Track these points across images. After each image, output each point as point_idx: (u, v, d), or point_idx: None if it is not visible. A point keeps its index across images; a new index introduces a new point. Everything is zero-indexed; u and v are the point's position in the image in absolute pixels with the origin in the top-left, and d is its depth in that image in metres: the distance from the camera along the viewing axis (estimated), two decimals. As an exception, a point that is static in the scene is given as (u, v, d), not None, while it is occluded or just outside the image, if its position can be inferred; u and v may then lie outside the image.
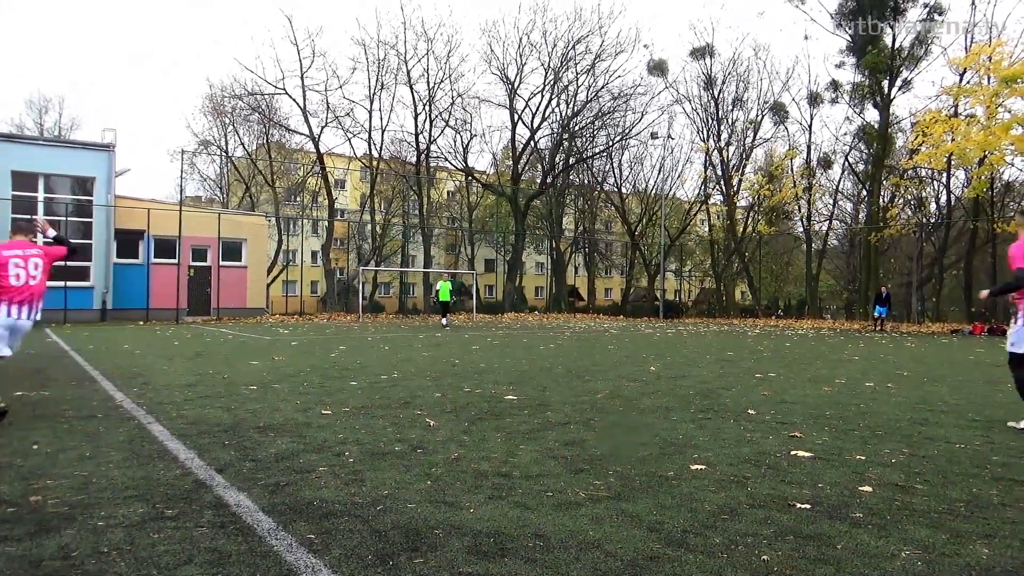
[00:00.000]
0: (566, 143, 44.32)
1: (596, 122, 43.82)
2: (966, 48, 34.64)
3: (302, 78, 39.91)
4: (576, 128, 43.83)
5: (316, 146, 40.96)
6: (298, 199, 48.04)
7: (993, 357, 14.75)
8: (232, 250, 30.66)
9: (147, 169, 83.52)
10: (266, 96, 41.44)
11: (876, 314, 28.58)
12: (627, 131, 44.49)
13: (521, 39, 51.56)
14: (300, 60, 40.17)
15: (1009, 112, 30.74)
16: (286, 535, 3.20)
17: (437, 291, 26.66)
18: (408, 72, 41.45)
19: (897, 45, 37.65)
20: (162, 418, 6.08)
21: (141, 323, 24.81)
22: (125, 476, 4.18)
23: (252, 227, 32.01)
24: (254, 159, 44.85)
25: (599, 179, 48.22)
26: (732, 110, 44.37)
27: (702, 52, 43.88)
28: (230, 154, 46.57)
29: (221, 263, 29.83)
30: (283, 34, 72.10)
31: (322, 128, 41.33)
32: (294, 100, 41.12)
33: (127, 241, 27.75)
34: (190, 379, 8.83)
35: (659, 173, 47.50)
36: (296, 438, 5.30)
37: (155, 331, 20.18)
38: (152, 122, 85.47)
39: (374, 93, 41.44)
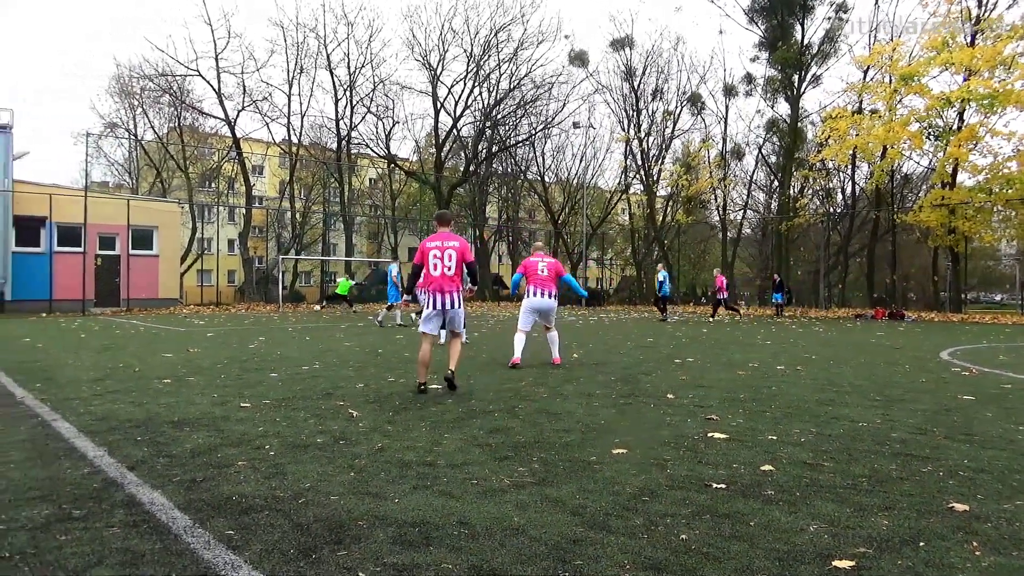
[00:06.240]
0: (489, 131, 44.25)
1: (518, 111, 43.93)
2: (869, 47, 36.31)
3: (216, 60, 38.43)
4: (499, 116, 43.81)
5: (232, 130, 39.55)
6: (213, 185, 46.28)
7: (892, 340, 15.62)
8: (143, 238, 29.37)
9: (49, 153, 78.74)
10: (178, 77, 39.72)
11: (774, 300, 29.94)
12: (549, 120, 44.82)
13: (443, 25, 51.23)
14: (215, 40, 39.02)
15: (907, 108, 32.51)
16: (203, 532, 3.10)
17: (337, 283, 26.95)
18: (328, 56, 40.54)
19: (806, 42, 39.17)
20: (68, 415, 5.80)
21: (44, 315, 23.49)
22: (27, 476, 3.97)
23: (164, 214, 30.75)
24: (165, 143, 42.94)
25: (522, 168, 48.43)
26: (652, 101, 45.28)
27: (622, 43, 44.50)
28: (139, 138, 44.49)
29: (131, 252, 28.56)
30: (196, 13, 69.26)
31: (238, 112, 39.93)
32: (208, 82, 39.35)
33: (27, 228, 26.17)
34: (98, 373, 8.43)
35: (581, 162, 48.13)
36: (213, 432, 5.15)
37: (59, 323, 19.16)
38: (53, 103, 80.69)
39: (293, 77, 40.37)
